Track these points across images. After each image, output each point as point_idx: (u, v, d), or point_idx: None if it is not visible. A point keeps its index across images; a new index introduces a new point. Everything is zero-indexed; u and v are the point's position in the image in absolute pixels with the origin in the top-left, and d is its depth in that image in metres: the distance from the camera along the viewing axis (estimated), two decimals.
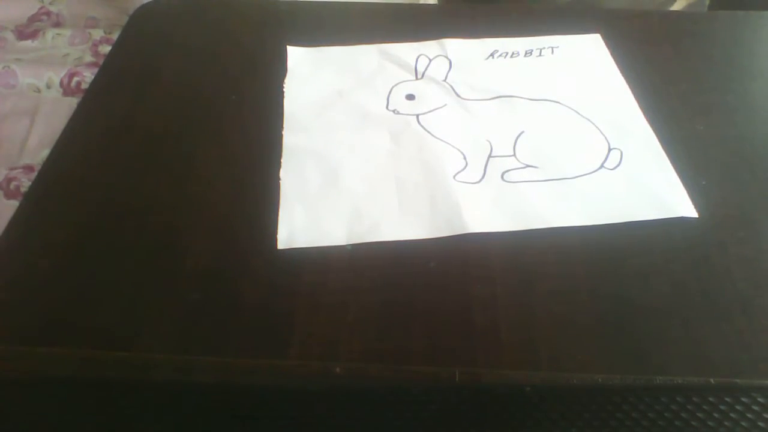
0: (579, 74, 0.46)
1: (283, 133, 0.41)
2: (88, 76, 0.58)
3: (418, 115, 0.42)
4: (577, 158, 0.39)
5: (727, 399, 0.29)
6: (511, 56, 0.47)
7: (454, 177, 0.38)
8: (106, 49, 0.61)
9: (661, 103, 0.42)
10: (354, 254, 0.34)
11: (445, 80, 0.45)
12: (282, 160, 0.39)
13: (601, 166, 0.38)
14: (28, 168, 0.53)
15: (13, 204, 0.51)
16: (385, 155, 0.39)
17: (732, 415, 0.29)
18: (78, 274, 0.33)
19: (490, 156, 0.39)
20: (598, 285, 0.32)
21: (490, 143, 0.40)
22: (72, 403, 0.31)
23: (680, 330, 0.30)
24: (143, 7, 0.54)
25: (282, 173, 0.38)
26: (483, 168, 0.38)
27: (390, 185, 0.37)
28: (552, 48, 0.48)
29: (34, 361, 0.29)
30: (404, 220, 0.35)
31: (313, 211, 0.36)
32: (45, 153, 0.48)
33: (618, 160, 0.39)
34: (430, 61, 0.46)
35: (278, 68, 0.46)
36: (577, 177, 0.38)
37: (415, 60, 0.46)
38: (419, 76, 0.45)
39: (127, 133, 0.42)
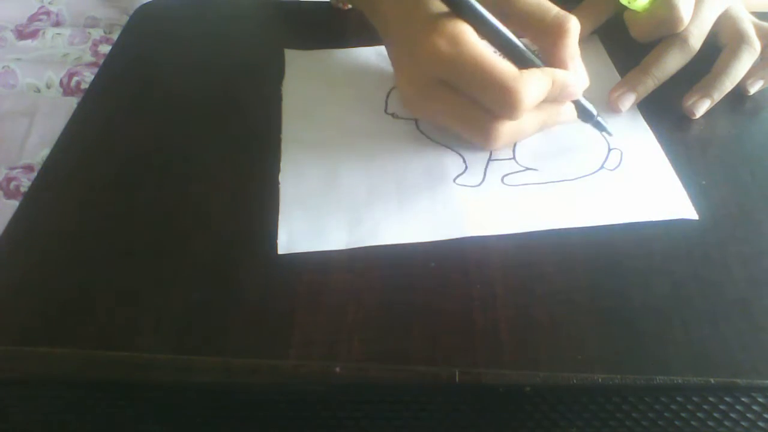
0: None
1: (281, 136, 0.41)
2: (88, 75, 0.58)
3: (416, 119, 0.42)
4: (576, 160, 0.39)
5: (727, 399, 0.29)
6: None
7: (454, 180, 0.38)
8: (106, 49, 0.61)
9: (660, 103, 0.42)
10: (354, 254, 0.34)
11: None
12: (281, 164, 0.39)
13: (602, 166, 0.39)
14: (28, 168, 0.53)
15: (13, 204, 0.51)
16: (385, 159, 0.39)
17: (732, 415, 0.29)
18: (78, 274, 0.33)
19: (489, 159, 0.39)
20: (598, 285, 0.32)
21: None
22: (72, 403, 0.31)
23: (680, 330, 0.30)
24: (143, 7, 0.54)
25: (281, 177, 0.38)
26: (483, 171, 0.38)
27: (390, 189, 0.37)
28: None
29: (34, 361, 0.29)
30: (405, 224, 0.35)
31: (312, 216, 0.36)
32: (45, 153, 0.48)
33: (618, 160, 0.39)
34: None
35: (277, 70, 0.46)
36: (577, 178, 0.38)
37: None
38: None
39: (126, 133, 0.42)
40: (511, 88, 0.33)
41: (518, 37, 0.36)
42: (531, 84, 0.33)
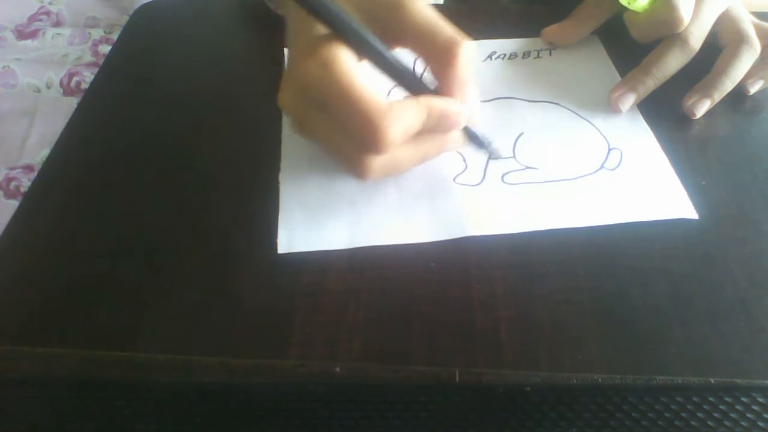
0: (577, 75, 0.46)
1: (282, 135, 0.41)
2: (88, 76, 0.58)
3: None
4: (577, 159, 0.39)
5: (727, 399, 0.29)
6: (509, 58, 0.47)
7: (454, 179, 0.38)
8: (106, 49, 0.61)
9: (660, 102, 0.42)
10: (354, 254, 0.34)
11: None
12: (281, 164, 0.39)
13: (602, 166, 0.39)
14: (28, 168, 0.53)
15: (13, 204, 0.51)
16: None
17: (732, 415, 0.29)
18: (78, 274, 0.33)
19: (489, 158, 0.39)
20: (598, 285, 0.32)
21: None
22: (72, 403, 0.31)
23: (680, 330, 0.30)
24: (143, 7, 0.54)
25: (281, 176, 0.38)
26: (483, 170, 0.38)
27: (389, 189, 0.37)
28: (550, 49, 0.48)
29: (34, 361, 0.29)
30: (405, 224, 0.35)
31: (312, 215, 0.36)
32: (45, 153, 0.48)
33: (618, 160, 0.39)
34: None
35: (278, 70, 0.46)
36: (577, 178, 0.38)
37: (413, 62, 0.46)
38: None
39: (126, 133, 0.42)
40: (374, 122, 0.30)
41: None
42: (398, 119, 0.31)
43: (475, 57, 0.39)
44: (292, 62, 0.34)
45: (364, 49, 0.32)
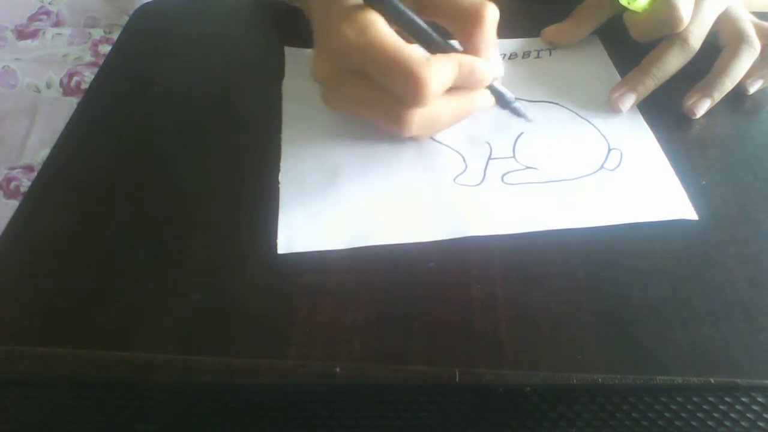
0: (577, 75, 0.46)
1: (282, 135, 0.41)
2: (88, 75, 0.58)
3: None
4: (577, 159, 0.39)
5: (727, 399, 0.29)
6: (509, 58, 0.47)
7: (454, 180, 0.38)
8: (106, 48, 0.61)
9: (660, 103, 0.42)
10: (354, 254, 0.34)
11: None
12: (281, 164, 0.39)
13: (602, 166, 0.39)
14: (28, 168, 0.53)
15: (13, 204, 0.51)
16: (384, 158, 0.39)
17: (732, 415, 0.29)
18: (78, 275, 0.33)
19: (489, 158, 0.39)
20: (598, 285, 0.32)
21: (490, 145, 0.40)
22: (72, 403, 0.31)
23: (680, 330, 0.30)
24: (143, 6, 0.54)
25: (281, 177, 0.38)
26: (483, 170, 0.38)
27: (390, 189, 0.37)
28: (550, 49, 0.48)
29: (34, 361, 0.29)
30: (404, 224, 0.35)
31: (312, 215, 0.36)
32: (45, 153, 0.48)
33: (618, 160, 0.39)
34: None
35: (278, 69, 0.46)
36: (577, 178, 0.38)
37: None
38: None
39: (126, 133, 0.42)
40: (416, 73, 0.32)
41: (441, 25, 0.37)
42: (436, 69, 0.33)
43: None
44: (324, 33, 0.36)
45: (395, 15, 0.35)
